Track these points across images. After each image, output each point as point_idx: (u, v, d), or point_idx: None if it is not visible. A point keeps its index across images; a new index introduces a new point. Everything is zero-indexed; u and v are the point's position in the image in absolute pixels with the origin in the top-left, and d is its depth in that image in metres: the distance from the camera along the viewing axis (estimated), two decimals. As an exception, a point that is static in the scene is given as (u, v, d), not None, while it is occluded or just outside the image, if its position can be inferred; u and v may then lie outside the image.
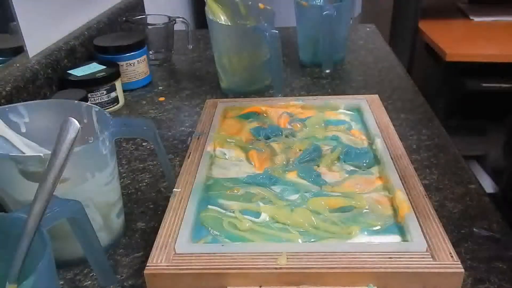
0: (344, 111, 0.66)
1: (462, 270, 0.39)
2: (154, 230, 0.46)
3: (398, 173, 0.51)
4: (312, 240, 0.43)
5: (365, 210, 0.46)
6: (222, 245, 0.42)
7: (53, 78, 0.74)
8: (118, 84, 0.79)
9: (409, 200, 0.46)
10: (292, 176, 0.52)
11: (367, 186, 0.50)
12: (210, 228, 0.45)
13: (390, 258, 0.40)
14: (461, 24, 1.90)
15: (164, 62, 0.99)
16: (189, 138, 0.68)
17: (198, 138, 0.59)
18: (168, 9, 1.29)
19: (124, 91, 0.82)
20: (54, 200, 0.33)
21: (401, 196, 0.47)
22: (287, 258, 0.40)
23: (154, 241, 0.43)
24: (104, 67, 0.78)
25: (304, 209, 0.47)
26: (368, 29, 1.16)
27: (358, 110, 0.66)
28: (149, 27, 0.97)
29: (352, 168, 0.54)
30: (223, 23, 0.82)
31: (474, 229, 0.49)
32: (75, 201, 0.37)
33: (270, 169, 0.54)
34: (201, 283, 0.40)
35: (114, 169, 0.47)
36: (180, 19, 1.00)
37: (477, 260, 0.45)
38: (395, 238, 0.43)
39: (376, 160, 0.55)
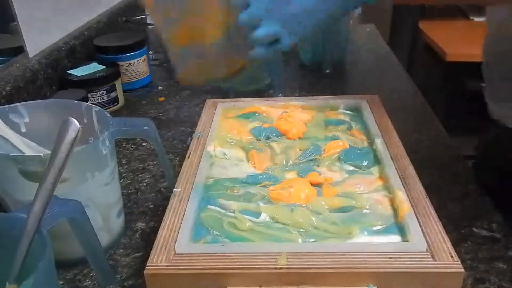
0: (344, 111, 0.66)
1: (462, 270, 0.39)
2: (154, 230, 0.46)
3: (398, 173, 0.50)
4: (312, 240, 0.43)
5: (365, 210, 0.46)
6: (222, 245, 0.42)
7: (53, 78, 0.74)
8: (118, 84, 0.79)
9: (409, 200, 0.46)
10: (292, 176, 0.52)
11: (367, 186, 0.50)
12: (210, 228, 0.45)
13: (390, 258, 0.40)
14: (461, 24, 1.90)
15: (164, 62, 0.99)
16: (189, 138, 0.68)
17: (198, 138, 0.59)
18: (168, 9, 1.29)
19: (124, 91, 0.82)
20: (54, 200, 0.33)
21: (401, 196, 0.47)
22: (287, 258, 0.40)
23: (154, 241, 0.43)
24: (104, 67, 0.79)
25: (304, 209, 0.47)
26: (368, 29, 1.16)
27: (358, 110, 0.66)
28: (149, 27, 0.97)
29: (352, 168, 0.54)
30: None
31: (474, 229, 0.49)
32: (75, 201, 0.37)
33: (270, 169, 0.54)
34: (201, 283, 0.40)
35: (114, 169, 0.47)
36: (180, 19, 1.00)
37: (477, 260, 0.45)
38: (395, 238, 0.43)
39: (376, 160, 0.55)
